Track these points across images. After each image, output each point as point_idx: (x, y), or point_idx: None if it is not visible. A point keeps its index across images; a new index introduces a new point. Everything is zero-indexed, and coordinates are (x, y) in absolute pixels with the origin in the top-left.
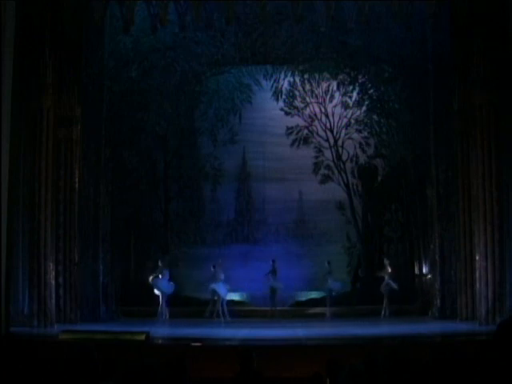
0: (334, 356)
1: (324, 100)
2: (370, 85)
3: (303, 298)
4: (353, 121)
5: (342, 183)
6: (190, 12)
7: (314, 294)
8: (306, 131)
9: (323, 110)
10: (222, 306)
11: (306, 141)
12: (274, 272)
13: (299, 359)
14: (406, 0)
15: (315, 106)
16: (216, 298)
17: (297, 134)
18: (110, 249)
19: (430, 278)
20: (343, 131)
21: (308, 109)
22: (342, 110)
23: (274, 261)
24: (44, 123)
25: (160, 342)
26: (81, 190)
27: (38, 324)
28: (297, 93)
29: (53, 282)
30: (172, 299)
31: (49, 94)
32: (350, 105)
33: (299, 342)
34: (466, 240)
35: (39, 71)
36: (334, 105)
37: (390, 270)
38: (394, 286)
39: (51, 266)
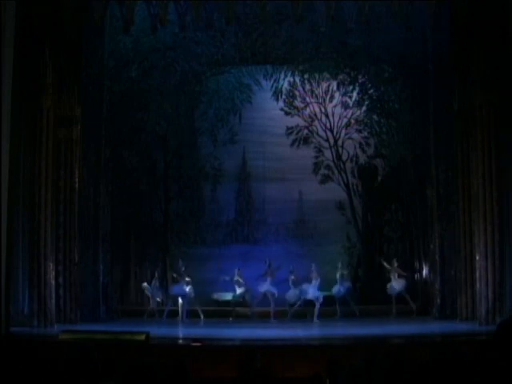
0: (334, 356)
1: (324, 100)
2: (370, 85)
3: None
4: (353, 121)
5: (342, 183)
6: (190, 12)
7: None
8: (306, 131)
9: (323, 110)
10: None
11: (306, 141)
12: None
13: (299, 359)
14: (405, 0)
15: (315, 105)
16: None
17: (297, 134)
18: (109, 249)
19: (428, 278)
20: (343, 131)
21: (308, 109)
22: (342, 110)
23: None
24: (44, 123)
25: (160, 341)
26: (81, 190)
27: (38, 324)
28: (297, 93)
29: (53, 282)
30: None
31: (49, 94)
32: (350, 105)
33: (299, 342)
34: (466, 240)
35: (39, 71)
36: (334, 105)
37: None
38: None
39: (51, 266)
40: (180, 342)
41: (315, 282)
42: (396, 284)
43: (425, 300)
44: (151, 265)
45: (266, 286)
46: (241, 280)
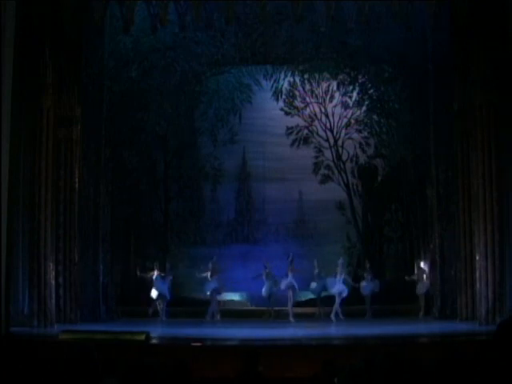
0: (330, 356)
1: (324, 100)
2: (370, 85)
3: (302, 298)
4: (353, 121)
5: (342, 183)
6: (190, 12)
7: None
8: (306, 131)
9: (323, 110)
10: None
11: (306, 141)
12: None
13: (299, 359)
14: (405, 0)
15: (315, 105)
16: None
17: (297, 134)
18: (109, 249)
19: (428, 278)
20: (343, 131)
21: (308, 109)
22: (342, 109)
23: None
24: (44, 123)
25: (160, 341)
26: (81, 190)
27: (38, 324)
28: (297, 93)
29: (53, 282)
30: (172, 299)
31: (49, 93)
32: (350, 105)
33: (299, 342)
34: (466, 240)
35: (39, 71)
36: (334, 105)
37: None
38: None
39: (51, 266)
40: (180, 342)
41: (340, 277)
42: (367, 285)
43: (425, 300)
44: (151, 265)
45: (288, 282)
46: (270, 274)
